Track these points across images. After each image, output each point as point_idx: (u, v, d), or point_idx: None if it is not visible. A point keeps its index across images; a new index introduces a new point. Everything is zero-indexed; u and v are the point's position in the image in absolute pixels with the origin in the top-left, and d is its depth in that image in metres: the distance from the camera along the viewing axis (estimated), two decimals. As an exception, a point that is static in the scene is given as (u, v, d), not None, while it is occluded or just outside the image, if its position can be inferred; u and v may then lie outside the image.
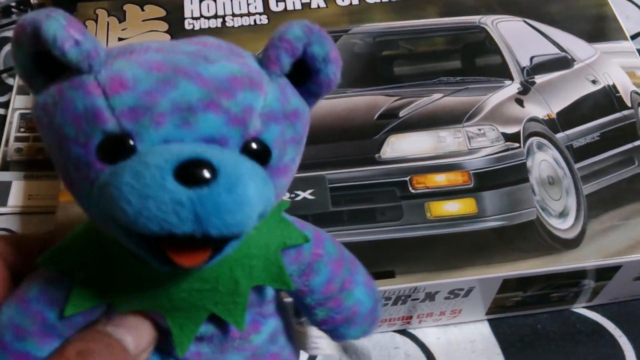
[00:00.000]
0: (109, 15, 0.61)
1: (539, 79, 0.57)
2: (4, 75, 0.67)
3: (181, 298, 0.30)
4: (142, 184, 0.24)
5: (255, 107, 0.27)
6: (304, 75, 0.30)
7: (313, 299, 0.35)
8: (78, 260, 0.31)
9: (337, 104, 0.55)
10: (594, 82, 0.57)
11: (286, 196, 0.49)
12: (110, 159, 0.26)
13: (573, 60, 0.59)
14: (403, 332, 0.53)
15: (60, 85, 0.27)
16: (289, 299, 0.37)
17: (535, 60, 0.58)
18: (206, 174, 0.24)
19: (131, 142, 0.26)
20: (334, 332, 0.37)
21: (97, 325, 0.31)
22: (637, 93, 0.57)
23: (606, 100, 0.56)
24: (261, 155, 0.27)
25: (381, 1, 0.63)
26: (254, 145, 0.27)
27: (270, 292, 0.35)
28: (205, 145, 0.26)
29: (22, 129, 0.62)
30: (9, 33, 0.71)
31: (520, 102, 0.55)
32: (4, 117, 0.64)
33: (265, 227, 0.32)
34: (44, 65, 0.27)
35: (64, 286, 0.31)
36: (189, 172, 0.24)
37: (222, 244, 0.26)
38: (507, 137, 0.52)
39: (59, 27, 0.25)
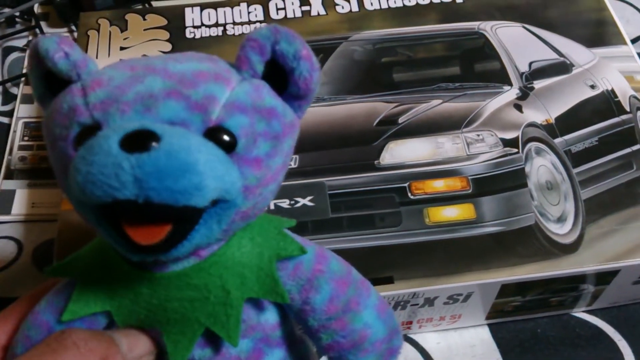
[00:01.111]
0: (111, 24, 0.61)
1: (538, 84, 0.57)
2: (8, 84, 0.68)
3: (173, 309, 0.31)
4: (91, 152, 0.26)
5: (218, 97, 0.28)
6: (285, 81, 0.30)
7: (315, 319, 0.34)
8: (80, 269, 0.32)
9: (337, 110, 0.55)
10: (592, 87, 0.57)
11: (286, 203, 0.50)
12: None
13: (572, 65, 0.59)
14: (403, 337, 0.53)
15: (57, 97, 0.30)
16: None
17: (534, 66, 0.58)
18: (148, 141, 0.25)
19: (98, 131, 0.27)
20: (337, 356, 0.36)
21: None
22: (635, 97, 0.57)
23: (605, 105, 0.56)
24: (225, 142, 0.28)
25: (380, 8, 0.63)
26: (218, 133, 0.28)
27: (273, 315, 0.34)
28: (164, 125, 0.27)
29: (26, 138, 0.63)
30: (14, 42, 0.72)
31: (518, 108, 0.55)
32: (8, 125, 0.65)
33: (260, 237, 0.32)
34: (52, 86, 0.31)
35: (67, 295, 0.32)
36: (133, 140, 0.25)
37: (182, 219, 0.27)
38: (506, 143, 0.52)
39: (51, 42, 0.29)
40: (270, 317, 0.34)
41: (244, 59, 0.30)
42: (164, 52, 0.59)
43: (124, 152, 0.25)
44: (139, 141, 0.25)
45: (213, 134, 0.28)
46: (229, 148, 0.28)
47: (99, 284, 0.31)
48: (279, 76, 0.30)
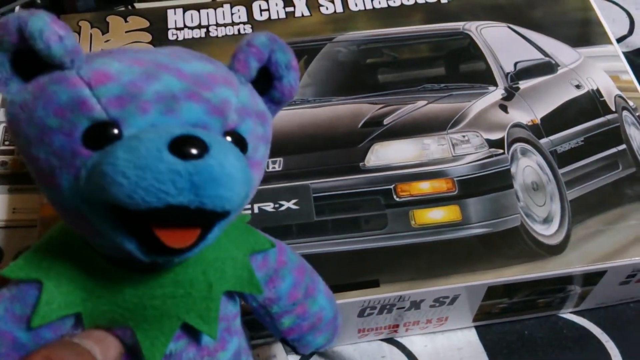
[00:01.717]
0: (92, 27, 0.60)
1: (523, 84, 0.57)
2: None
3: (154, 306, 0.30)
4: (138, 156, 0.25)
5: (232, 101, 0.29)
6: (266, 85, 0.32)
7: (280, 306, 0.36)
8: (46, 267, 0.30)
9: (321, 112, 0.55)
10: (578, 86, 0.57)
11: (270, 206, 0.49)
12: (96, 145, 0.27)
13: (557, 65, 0.59)
14: (390, 341, 0.52)
15: (40, 82, 0.28)
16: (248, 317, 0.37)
17: (519, 66, 0.58)
18: (199, 148, 0.26)
19: (117, 129, 0.27)
20: (301, 341, 0.39)
21: (64, 337, 0.30)
22: (621, 97, 0.57)
23: (590, 104, 0.56)
24: (239, 146, 0.29)
25: (365, 9, 0.63)
26: (233, 137, 0.29)
27: (235, 306, 0.35)
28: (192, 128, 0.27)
29: (6, 142, 0.62)
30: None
31: (504, 108, 0.55)
32: (-11, 130, 0.64)
33: (234, 232, 0.33)
34: (21, 67, 0.29)
35: (31, 299, 0.30)
36: (183, 146, 0.25)
37: (210, 223, 0.27)
38: (491, 144, 0.52)
39: (44, 23, 0.27)
40: (233, 307, 0.35)
41: (244, 63, 0.31)
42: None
43: (177, 157, 0.25)
44: (190, 148, 0.25)
45: (230, 138, 0.29)
46: (242, 151, 0.29)
47: (71, 284, 0.30)
48: (262, 81, 0.32)
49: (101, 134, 0.27)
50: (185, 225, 0.27)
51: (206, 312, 0.31)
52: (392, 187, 0.50)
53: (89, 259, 0.30)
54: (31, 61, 0.28)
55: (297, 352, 0.40)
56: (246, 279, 0.33)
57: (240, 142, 0.30)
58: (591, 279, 0.49)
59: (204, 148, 0.26)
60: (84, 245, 0.30)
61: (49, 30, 0.27)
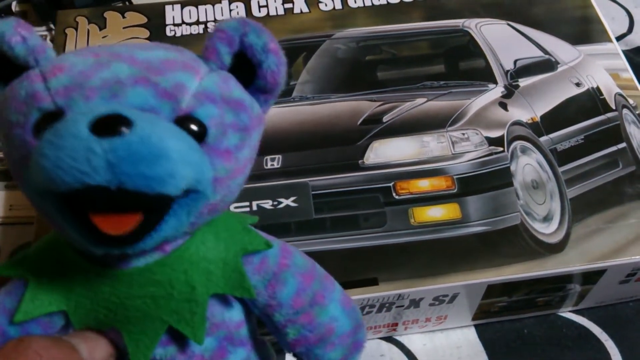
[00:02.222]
0: (89, 22, 0.60)
1: (523, 82, 0.57)
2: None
3: (135, 307, 0.30)
4: (57, 136, 0.25)
5: (188, 85, 0.28)
6: (252, 75, 0.30)
7: (282, 314, 0.34)
8: (33, 266, 0.31)
9: (320, 109, 0.55)
10: (577, 84, 0.57)
11: (269, 204, 0.49)
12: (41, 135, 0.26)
13: (557, 62, 0.58)
14: (389, 339, 0.52)
15: (12, 84, 0.29)
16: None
17: (519, 64, 0.58)
18: (120, 125, 0.24)
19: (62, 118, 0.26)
20: (309, 355, 0.36)
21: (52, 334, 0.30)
22: (621, 95, 0.56)
23: (590, 102, 0.56)
24: (195, 131, 0.28)
25: (364, 5, 0.62)
26: (188, 122, 0.28)
27: (238, 313, 0.34)
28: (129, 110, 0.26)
29: (3, 139, 0.62)
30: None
31: (504, 106, 0.55)
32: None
33: (225, 232, 0.32)
34: (3, 73, 0.29)
35: (19, 295, 0.31)
36: (104, 124, 0.24)
37: (154, 209, 0.26)
38: (491, 141, 0.52)
39: (8, 26, 0.28)
40: (235, 315, 0.33)
41: (212, 49, 0.30)
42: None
43: (95, 136, 0.24)
44: (110, 125, 0.24)
45: (183, 122, 0.27)
46: (199, 138, 0.28)
47: (54, 282, 0.30)
48: (246, 70, 0.30)
49: (46, 124, 0.26)
50: (123, 211, 0.25)
51: (190, 315, 0.30)
52: (391, 184, 0.50)
53: (70, 257, 0.30)
54: (9, 66, 0.29)
55: None
56: (236, 282, 0.31)
57: (198, 127, 0.28)
58: (591, 277, 0.49)
59: (126, 125, 0.24)
60: (68, 244, 0.30)
61: (10, 32, 0.28)
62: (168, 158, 0.25)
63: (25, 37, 0.29)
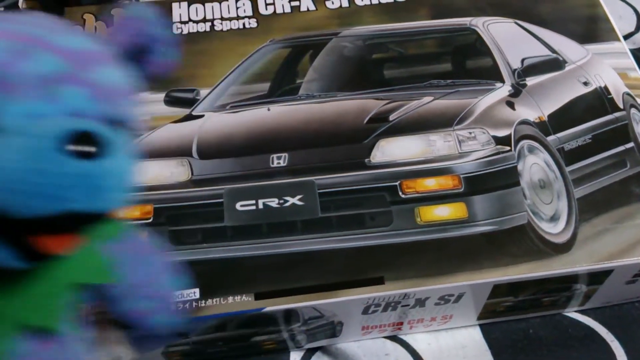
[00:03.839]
0: (96, 19, 0.60)
1: (530, 81, 0.56)
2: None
3: None
4: (29, 158, 0.24)
5: (116, 83, 0.28)
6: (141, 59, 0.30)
7: (121, 289, 0.34)
8: None
9: (327, 107, 0.55)
10: (585, 83, 0.57)
11: (275, 202, 0.49)
12: None
13: (564, 61, 0.58)
14: (394, 338, 0.52)
15: None
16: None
17: (526, 62, 0.58)
18: (96, 147, 0.24)
19: None
20: (143, 322, 0.36)
21: None
22: (629, 94, 0.56)
23: (598, 102, 0.56)
24: (126, 134, 0.28)
25: (371, 4, 0.62)
26: (120, 125, 0.27)
27: (93, 298, 0.33)
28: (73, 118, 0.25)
29: None
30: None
31: (511, 105, 0.54)
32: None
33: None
34: None
35: None
36: (77, 143, 0.24)
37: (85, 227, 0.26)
38: (498, 141, 0.51)
39: None
40: (92, 300, 0.33)
41: (117, 37, 0.30)
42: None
43: (73, 159, 0.24)
44: (84, 147, 0.24)
45: (116, 125, 0.27)
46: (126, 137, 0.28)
47: None
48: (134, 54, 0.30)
49: None
50: (68, 231, 0.26)
51: (47, 309, 0.30)
52: (397, 183, 0.50)
53: None
54: None
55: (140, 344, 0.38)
56: (96, 270, 0.31)
57: (126, 130, 0.28)
58: (597, 277, 0.49)
59: (99, 147, 0.25)
60: None
61: None
62: (130, 183, 0.26)
63: None
